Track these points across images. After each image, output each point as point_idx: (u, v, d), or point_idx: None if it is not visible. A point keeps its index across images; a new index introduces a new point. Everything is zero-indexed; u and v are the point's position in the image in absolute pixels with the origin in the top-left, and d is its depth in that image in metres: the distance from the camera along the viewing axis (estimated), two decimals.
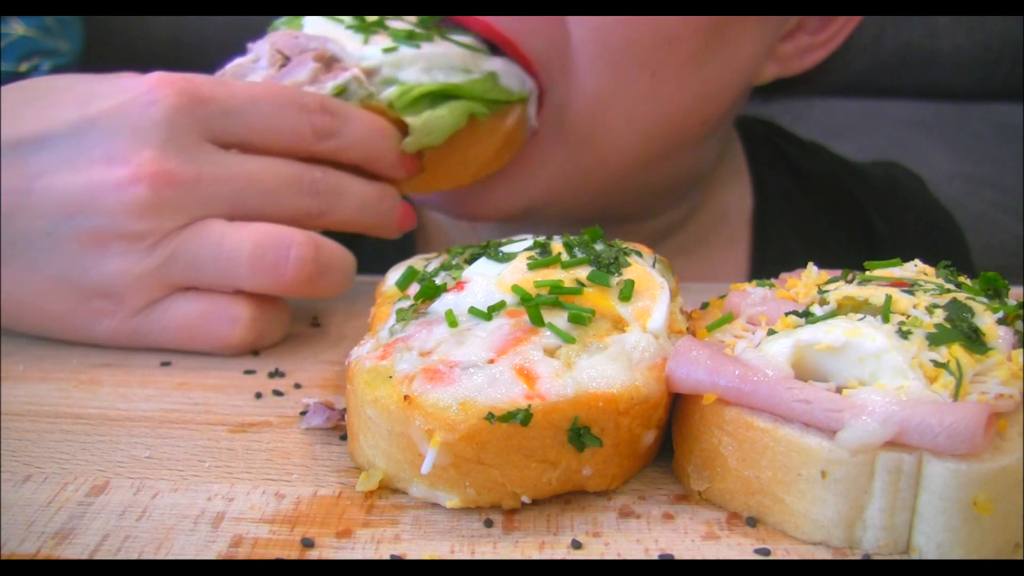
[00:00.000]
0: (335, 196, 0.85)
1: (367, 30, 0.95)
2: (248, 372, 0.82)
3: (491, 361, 0.61)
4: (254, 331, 0.83)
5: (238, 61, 0.94)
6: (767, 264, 1.29)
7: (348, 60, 0.91)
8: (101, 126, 0.78)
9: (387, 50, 0.92)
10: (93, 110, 0.79)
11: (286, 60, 0.92)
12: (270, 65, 0.92)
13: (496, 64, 0.98)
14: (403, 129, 0.91)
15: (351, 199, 0.86)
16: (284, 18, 0.99)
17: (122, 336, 0.83)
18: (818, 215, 1.38)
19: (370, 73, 0.92)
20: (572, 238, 0.73)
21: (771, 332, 0.65)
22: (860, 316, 0.63)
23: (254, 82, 0.88)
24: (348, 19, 0.96)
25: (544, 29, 0.98)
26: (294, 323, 0.93)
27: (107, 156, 0.78)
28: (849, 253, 1.19)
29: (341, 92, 0.89)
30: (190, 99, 0.79)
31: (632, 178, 1.11)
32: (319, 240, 0.82)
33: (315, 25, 0.96)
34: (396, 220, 0.91)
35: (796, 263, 0.77)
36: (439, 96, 0.93)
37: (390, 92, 0.91)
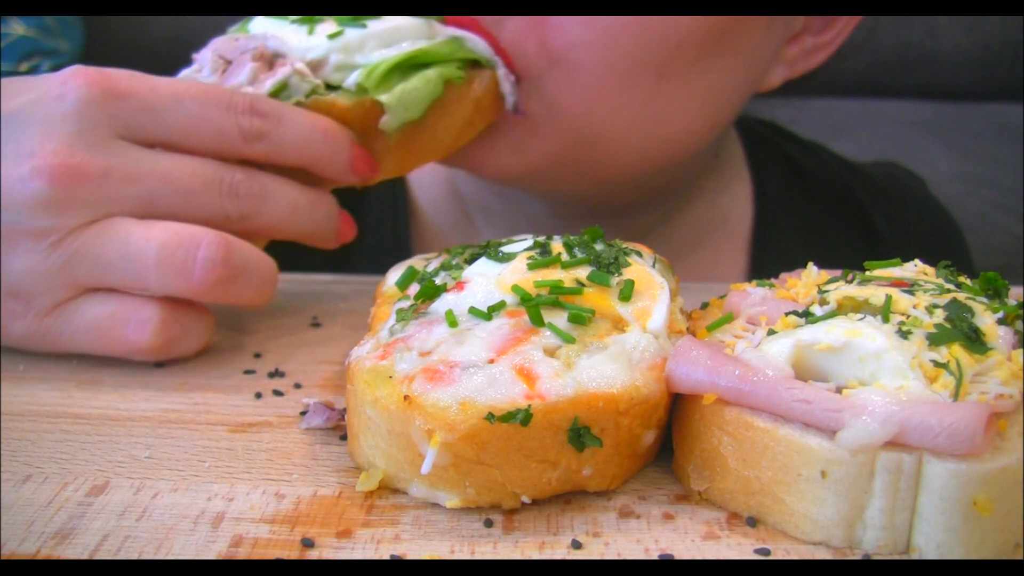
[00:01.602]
0: (259, 200, 0.81)
1: (312, 21, 0.90)
2: (248, 372, 0.82)
3: (491, 361, 0.61)
4: (164, 336, 0.78)
5: (183, 73, 0.91)
6: (767, 264, 1.29)
7: (292, 54, 0.87)
8: (13, 121, 0.76)
9: (332, 36, 0.87)
10: (9, 106, 0.77)
11: (228, 65, 0.88)
12: (212, 72, 0.88)
13: (459, 32, 0.94)
14: (373, 115, 0.86)
15: (278, 204, 0.82)
16: (235, 25, 0.96)
17: (34, 338, 0.79)
18: (819, 215, 1.38)
19: (318, 65, 0.87)
20: (572, 238, 0.73)
21: (771, 332, 0.65)
22: (860, 316, 0.63)
23: (181, 80, 0.84)
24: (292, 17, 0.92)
25: (517, 32, 0.96)
26: (294, 323, 0.93)
27: (16, 151, 0.75)
28: (849, 253, 1.19)
29: (281, 90, 0.85)
30: (104, 93, 0.75)
31: (632, 179, 1.11)
32: (232, 242, 0.78)
33: (260, 25, 0.91)
34: (333, 229, 0.88)
35: (796, 263, 0.77)
36: (408, 69, 0.88)
37: (355, 76, 0.86)
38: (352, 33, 0.87)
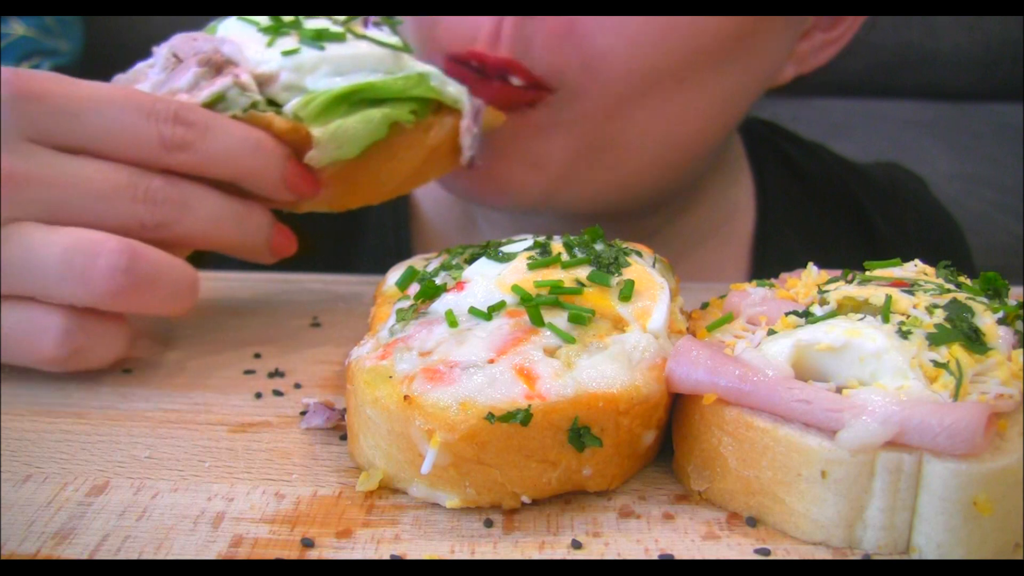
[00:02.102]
0: (179, 208, 0.77)
1: (278, 31, 0.85)
2: (248, 372, 0.82)
3: (491, 361, 0.61)
4: (68, 346, 0.74)
5: (137, 67, 0.87)
6: (768, 264, 1.29)
7: (244, 64, 0.83)
8: None
9: (287, 52, 0.83)
10: None
11: (179, 64, 0.84)
12: (163, 70, 0.85)
13: (428, 68, 0.88)
14: (308, 143, 0.81)
15: (200, 213, 0.78)
16: (211, 22, 0.92)
17: None
18: (819, 216, 1.38)
19: (268, 80, 0.83)
20: (572, 238, 0.73)
21: (771, 332, 0.65)
22: (860, 316, 0.63)
23: (105, 84, 0.80)
24: (264, 20, 0.87)
25: (549, 42, 0.95)
26: (294, 323, 0.93)
27: None
28: (850, 254, 1.19)
29: (218, 100, 0.81)
30: (18, 94, 0.73)
31: (647, 181, 1.11)
32: (139, 249, 0.74)
33: (227, 27, 0.87)
34: (265, 242, 0.84)
35: (797, 263, 0.77)
36: (357, 103, 0.83)
37: (294, 103, 0.81)
38: (307, 54, 0.83)
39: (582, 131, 1.01)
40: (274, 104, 0.83)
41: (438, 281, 0.71)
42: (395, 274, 0.78)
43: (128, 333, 0.79)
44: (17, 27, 1.84)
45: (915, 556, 0.57)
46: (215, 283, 1.04)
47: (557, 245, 0.71)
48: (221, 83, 0.81)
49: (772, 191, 1.35)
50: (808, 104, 2.14)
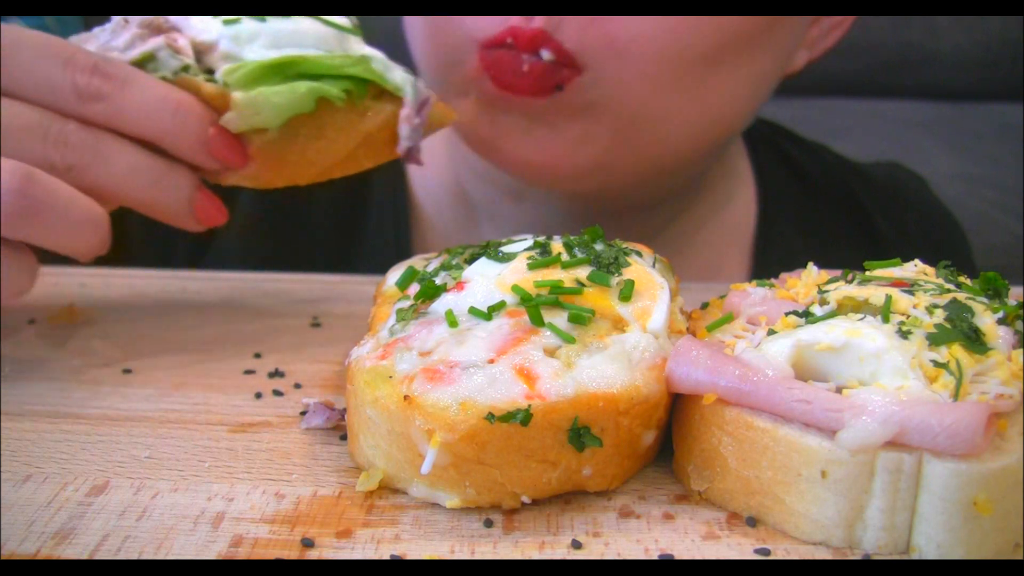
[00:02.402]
0: (91, 154, 0.76)
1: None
2: (248, 372, 0.82)
3: (491, 361, 0.61)
4: None
5: (94, 30, 0.87)
6: (769, 264, 1.29)
7: (188, 32, 0.82)
8: None
9: (227, 22, 0.82)
10: None
11: (126, 26, 0.84)
12: (111, 32, 0.84)
13: (374, 52, 0.87)
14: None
15: (114, 163, 0.77)
16: None
17: None
18: (820, 215, 1.38)
19: (207, 49, 0.82)
20: (572, 238, 0.73)
21: (771, 332, 0.65)
22: (860, 316, 0.63)
23: (26, 29, 0.80)
24: None
25: (580, 19, 0.95)
26: (294, 323, 0.93)
27: None
28: (851, 253, 1.19)
29: (148, 60, 0.81)
30: None
31: (681, 161, 1.12)
32: (36, 174, 0.73)
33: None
34: (186, 205, 0.81)
35: (798, 263, 0.77)
36: (290, 76, 0.81)
37: (223, 69, 0.80)
38: (247, 24, 0.82)
39: (617, 114, 1.01)
40: (211, 72, 0.82)
41: (438, 281, 0.71)
42: (395, 274, 0.78)
43: (33, 268, 0.78)
44: None
45: (915, 556, 0.57)
46: (215, 283, 1.04)
47: (557, 245, 0.71)
48: (153, 43, 0.81)
49: (773, 191, 1.35)
50: (808, 104, 2.14)
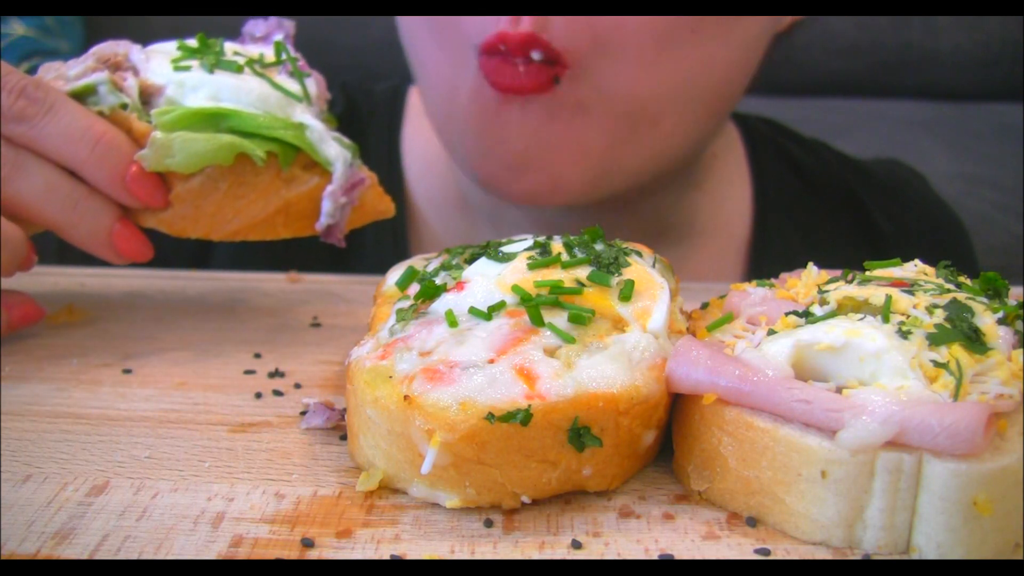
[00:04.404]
0: (10, 167, 0.78)
1: (192, 54, 0.85)
2: (248, 372, 0.82)
3: (491, 361, 0.61)
4: None
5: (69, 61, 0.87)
6: (768, 263, 1.29)
7: (144, 73, 0.84)
8: None
9: (177, 67, 0.84)
10: None
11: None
12: (74, 62, 0.85)
13: (313, 122, 0.85)
14: None
15: (33, 180, 0.79)
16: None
17: None
18: (820, 213, 1.38)
19: (154, 91, 0.83)
20: (572, 238, 0.73)
21: (771, 332, 0.65)
22: (860, 316, 0.63)
23: None
24: (191, 43, 0.87)
25: (561, 19, 0.97)
26: (294, 323, 0.93)
27: None
28: (851, 251, 1.19)
29: (88, 92, 0.82)
30: None
31: (686, 144, 1.12)
32: None
33: (165, 46, 0.88)
34: (105, 234, 0.82)
35: (797, 262, 0.77)
36: (220, 128, 0.81)
37: (156, 110, 0.81)
38: (195, 74, 0.83)
39: (611, 106, 1.02)
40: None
41: (438, 281, 0.71)
42: (395, 274, 0.78)
43: (19, 243, 0.80)
44: (17, 27, 1.84)
45: (915, 556, 0.57)
46: (215, 283, 1.04)
47: (557, 245, 0.71)
48: (96, 76, 0.82)
49: (772, 189, 1.35)
50: (808, 104, 2.14)
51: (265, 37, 0.94)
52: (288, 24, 0.94)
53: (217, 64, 0.84)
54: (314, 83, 0.89)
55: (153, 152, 0.80)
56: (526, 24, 0.96)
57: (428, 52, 1.08)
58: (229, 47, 0.89)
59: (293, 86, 0.87)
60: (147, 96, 0.84)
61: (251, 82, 0.85)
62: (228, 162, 0.81)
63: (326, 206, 0.85)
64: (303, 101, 0.86)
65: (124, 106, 0.82)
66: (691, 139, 1.14)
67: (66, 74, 0.83)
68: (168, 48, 0.88)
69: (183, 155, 0.80)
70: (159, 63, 0.85)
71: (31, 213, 0.81)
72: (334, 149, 0.85)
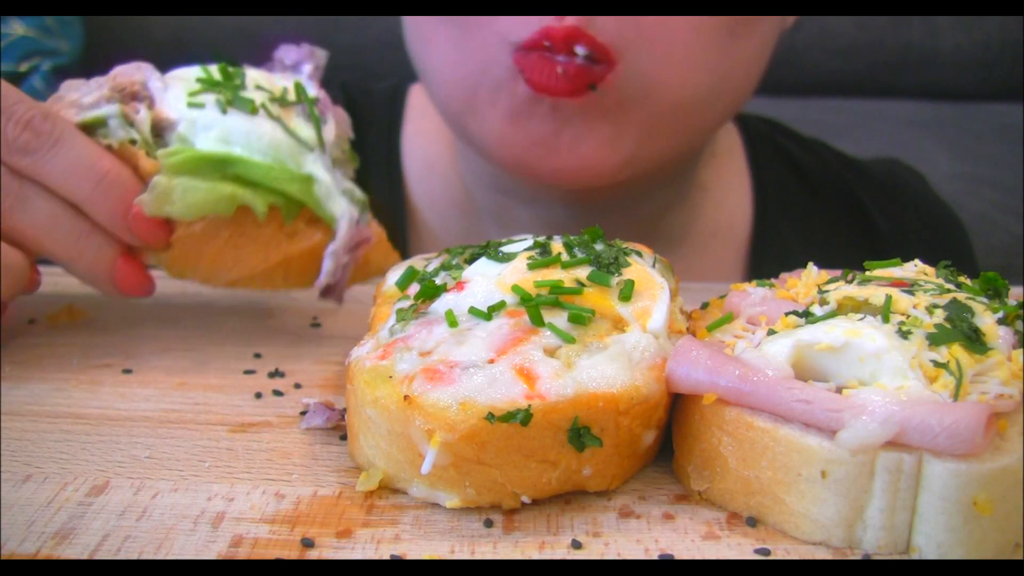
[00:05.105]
0: (13, 198, 0.78)
1: (211, 87, 0.83)
2: (248, 372, 0.82)
3: (491, 361, 0.61)
4: None
5: (90, 81, 0.86)
6: (768, 263, 1.29)
7: (160, 105, 0.82)
8: None
9: (192, 104, 0.82)
10: None
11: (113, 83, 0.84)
12: (90, 87, 0.83)
13: (323, 175, 0.83)
14: None
15: (36, 213, 0.79)
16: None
17: None
18: (819, 213, 1.38)
19: (168, 126, 0.82)
20: (572, 238, 0.73)
21: (771, 332, 0.65)
22: (860, 316, 0.63)
23: None
24: (215, 71, 0.85)
25: (607, 16, 0.96)
26: (294, 323, 0.93)
27: None
28: (850, 251, 1.19)
29: (99, 124, 0.81)
30: None
31: (704, 138, 1.13)
32: None
33: (185, 73, 0.86)
34: (106, 270, 0.82)
35: (797, 262, 0.77)
36: (227, 175, 0.80)
37: (164, 151, 0.79)
38: (208, 113, 0.81)
39: (649, 107, 1.02)
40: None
41: (438, 281, 0.71)
42: (395, 274, 0.78)
43: (20, 268, 0.79)
44: (17, 27, 1.84)
45: (915, 556, 0.57)
46: None
47: (557, 245, 0.71)
48: (107, 109, 0.81)
49: (772, 189, 1.35)
50: (808, 104, 2.14)
51: (295, 66, 0.91)
52: (320, 54, 0.92)
53: (232, 102, 0.82)
54: (333, 125, 0.87)
55: (153, 198, 0.78)
56: (571, 19, 0.94)
57: (445, 47, 1.05)
58: (253, 76, 0.86)
59: (310, 129, 0.85)
60: (160, 129, 0.82)
61: (264, 126, 0.82)
62: (229, 213, 0.80)
63: (327, 265, 0.83)
64: (315, 149, 0.84)
65: (133, 141, 0.80)
66: (708, 133, 1.15)
67: (80, 102, 0.82)
68: (189, 75, 0.85)
69: (182, 203, 0.79)
70: (176, 94, 0.83)
71: (32, 245, 0.81)
72: (341, 205, 0.83)
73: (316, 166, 0.83)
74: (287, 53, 0.92)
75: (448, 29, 1.04)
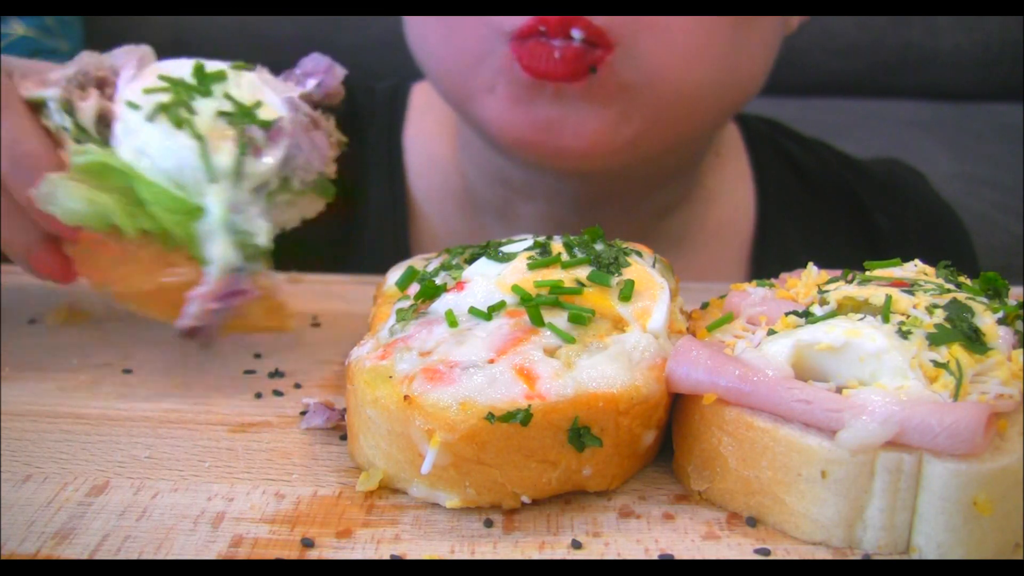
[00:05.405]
0: None
1: (176, 89, 0.78)
2: (248, 372, 0.82)
3: (491, 361, 0.61)
4: None
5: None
6: (768, 261, 1.29)
7: (118, 95, 0.78)
8: None
9: (131, 104, 0.77)
10: None
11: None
12: (70, 64, 0.80)
13: (216, 207, 0.76)
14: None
15: None
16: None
17: None
18: (820, 212, 1.38)
19: (113, 118, 0.78)
20: (572, 238, 0.73)
21: (771, 332, 0.65)
22: (860, 316, 0.63)
23: None
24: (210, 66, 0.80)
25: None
26: (294, 323, 0.93)
27: None
28: (851, 250, 1.19)
29: (41, 105, 0.78)
30: None
31: (706, 131, 1.13)
32: None
33: (176, 65, 0.81)
34: (23, 252, 0.80)
35: (797, 260, 0.77)
36: (118, 186, 0.75)
37: (79, 147, 0.76)
38: (135, 117, 0.77)
39: (653, 91, 1.01)
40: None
41: (438, 281, 0.71)
42: (395, 274, 0.78)
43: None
44: (17, 27, 1.84)
45: (915, 556, 0.57)
46: None
47: (557, 245, 0.71)
48: (49, 92, 0.78)
49: (772, 188, 1.35)
50: (808, 104, 2.14)
51: (302, 78, 0.86)
52: (338, 72, 0.86)
53: (168, 109, 0.77)
54: (279, 155, 0.78)
55: (40, 194, 0.75)
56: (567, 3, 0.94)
57: (439, 40, 1.05)
58: (248, 80, 0.80)
59: (223, 159, 0.76)
60: (109, 121, 0.79)
61: (182, 142, 0.76)
62: (102, 229, 0.76)
63: (191, 307, 0.77)
64: (224, 180, 0.76)
65: (63, 128, 0.77)
66: (711, 129, 1.14)
67: (46, 77, 0.79)
68: (167, 69, 0.81)
69: (62, 207, 0.75)
70: (137, 88, 0.79)
71: None
72: (219, 249, 0.76)
73: (214, 199, 0.76)
74: (305, 63, 0.88)
75: (438, 25, 1.04)
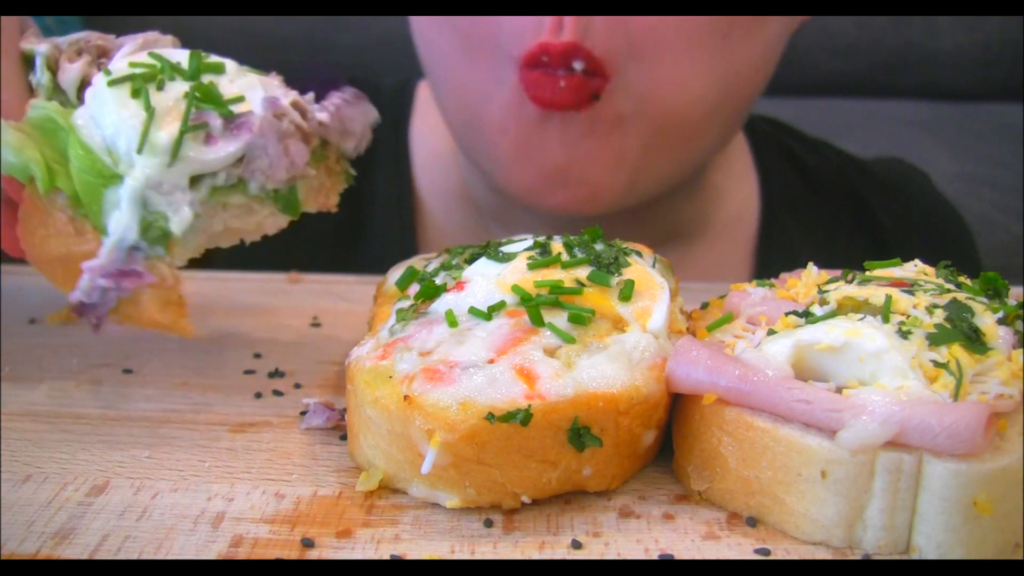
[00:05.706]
0: None
1: (161, 68, 0.76)
2: (248, 372, 0.82)
3: (491, 361, 0.61)
4: None
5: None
6: (772, 262, 1.29)
7: (109, 65, 0.77)
8: None
9: (105, 70, 0.76)
10: None
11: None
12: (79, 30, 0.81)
13: (135, 180, 0.72)
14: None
15: None
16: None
17: None
18: (823, 211, 1.38)
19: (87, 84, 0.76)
20: (572, 238, 0.73)
21: (771, 332, 0.65)
22: (860, 316, 0.63)
23: None
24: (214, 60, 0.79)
25: (605, 26, 0.97)
26: (294, 323, 0.93)
27: None
28: (854, 250, 1.19)
29: (27, 57, 0.78)
30: None
31: (709, 147, 1.13)
32: None
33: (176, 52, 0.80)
34: None
35: (800, 259, 0.77)
36: (60, 143, 0.74)
37: (39, 107, 0.75)
38: (100, 81, 0.74)
39: (648, 115, 1.03)
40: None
41: (438, 281, 0.71)
42: (395, 274, 0.78)
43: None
44: None
45: (915, 556, 0.57)
46: (215, 283, 1.04)
47: (557, 245, 0.71)
48: (39, 47, 0.78)
49: (776, 187, 1.35)
50: (808, 104, 2.14)
51: (303, 87, 0.82)
52: (368, 111, 0.81)
53: (132, 80, 0.74)
54: (237, 150, 0.73)
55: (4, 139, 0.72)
56: (568, 34, 0.97)
57: (456, 64, 1.08)
58: (250, 81, 0.78)
59: (162, 138, 0.72)
60: (85, 87, 0.76)
61: (129, 111, 0.73)
62: (23, 179, 0.73)
63: (83, 280, 0.72)
64: (158, 157, 0.72)
65: (39, 86, 0.77)
66: (716, 143, 1.15)
67: (57, 41, 0.79)
68: (172, 54, 0.79)
69: (4, 156, 0.72)
70: (124, 61, 0.77)
71: None
72: (124, 222, 0.72)
73: (136, 171, 0.72)
74: (317, 73, 0.87)
75: (457, 44, 1.06)
